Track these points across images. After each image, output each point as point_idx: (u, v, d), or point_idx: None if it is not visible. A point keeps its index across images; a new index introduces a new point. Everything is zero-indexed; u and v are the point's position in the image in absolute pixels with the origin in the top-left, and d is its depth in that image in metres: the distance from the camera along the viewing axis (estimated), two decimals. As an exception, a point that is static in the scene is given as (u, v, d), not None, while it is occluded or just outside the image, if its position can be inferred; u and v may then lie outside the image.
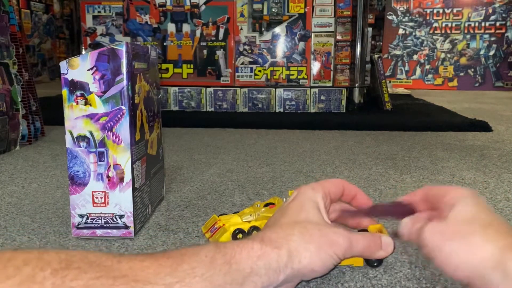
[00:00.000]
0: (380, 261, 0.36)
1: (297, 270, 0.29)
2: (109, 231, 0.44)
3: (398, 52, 3.06)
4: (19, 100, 0.83)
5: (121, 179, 0.46)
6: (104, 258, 0.24)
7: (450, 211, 0.30)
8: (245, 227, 0.40)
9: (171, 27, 1.40)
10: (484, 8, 2.91)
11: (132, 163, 0.47)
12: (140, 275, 0.24)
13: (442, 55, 3.01)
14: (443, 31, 2.99)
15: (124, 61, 0.45)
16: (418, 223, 0.31)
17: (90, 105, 0.46)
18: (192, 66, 1.41)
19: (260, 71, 1.40)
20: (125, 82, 0.45)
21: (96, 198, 0.47)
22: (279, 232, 0.31)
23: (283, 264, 0.29)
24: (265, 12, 1.38)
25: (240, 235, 0.39)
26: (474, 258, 0.27)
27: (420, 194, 0.34)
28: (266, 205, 0.44)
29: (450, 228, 0.29)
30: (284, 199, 0.44)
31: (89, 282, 0.22)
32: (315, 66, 1.40)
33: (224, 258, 0.27)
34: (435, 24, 2.99)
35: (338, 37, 1.42)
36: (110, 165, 0.47)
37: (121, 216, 0.45)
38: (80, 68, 0.45)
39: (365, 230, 0.37)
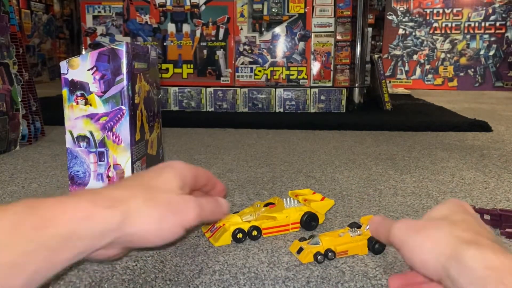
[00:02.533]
0: (383, 247, 0.37)
1: (127, 235, 0.27)
2: (109, 231, 0.44)
3: (398, 52, 3.06)
4: (19, 100, 0.83)
5: (121, 179, 0.46)
6: None
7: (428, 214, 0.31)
8: (245, 227, 0.40)
9: (171, 27, 1.40)
10: (484, 8, 2.91)
11: (132, 163, 0.47)
12: None
13: (442, 55, 3.00)
14: (443, 31, 2.99)
15: (124, 61, 0.45)
16: (387, 221, 0.32)
17: (90, 105, 0.46)
18: (192, 66, 1.41)
19: (260, 71, 1.40)
20: (125, 82, 0.45)
21: (96, 198, 0.47)
22: (121, 192, 0.28)
23: (113, 226, 0.26)
24: (265, 12, 1.38)
25: (240, 235, 0.39)
26: (435, 252, 0.27)
27: None
28: (266, 205, 0.44)
29: (418, 224, 0.30)
30: (284, 200, 0.44)
31: None
32: (315, 66, 1.40)
33: (35, 221, 0.24)
34: (435, 24, 2.99)
35: (338, 37, 1.42)
36: (110, 165, 0.47)
37: (121, 216, 0.45)
38: (80, 68, 0.45)
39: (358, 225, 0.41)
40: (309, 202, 0.44)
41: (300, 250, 0.37)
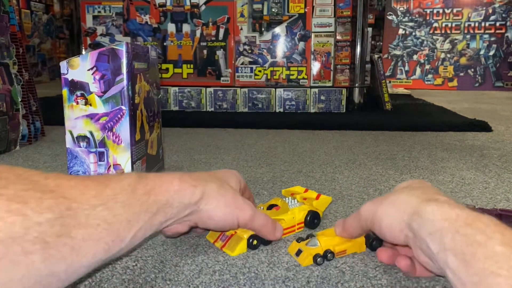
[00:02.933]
0: (380, 243, 0.37)
1: (201, 211, 0.33)
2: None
3: (398, 52, 3.06)
4: (19, 100, 0.83)
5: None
6: (30, 173, 0.25)
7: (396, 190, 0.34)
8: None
9: (171, 27, 1.40)
10: (484, 8, 2.91)
11: (132, 163, 0.47)
12: (67, 193, 0.25)
13: (442, 55, 3.00)
14: (443, 31, 2.99)
15: (124, 61, 0.45)
16: (349, 218, 0.36)
17: (90, 105, 0.46)
18: (192, 66, 1.41)
19: (260, 71, 1.40)
20: (125, 82, 0.45)
21: (96, 198, 0.47)
22: (200, 177, 0.34)
23: (194, 201, 0.32)
24: (265, 12, 1.38)
25: (255, 242, 0.38)
26: (399, 213, 0.29)
27: None
28: (269, 207, 0.43)
29: (382, 197, 0.33)
30: (287, 199, 0.44)
31: (19, 193, 0.22)
32: (315, 66, 1.40)
33: (144, 189, 0.29)
34: (435, 24, 2.99)
35: (338, 37, 1.42)
36: (110, 165, 0.47)
37: (121, 216, 0.45)
38: (80, 68, 0.45)
39: None
40: (309, 201, 0.44)
41: (299, 252, 0.36)
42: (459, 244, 0.24)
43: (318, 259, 0.35)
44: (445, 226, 0.26)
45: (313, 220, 0.43)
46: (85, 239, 0.24)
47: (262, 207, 0.43)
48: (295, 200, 0.45)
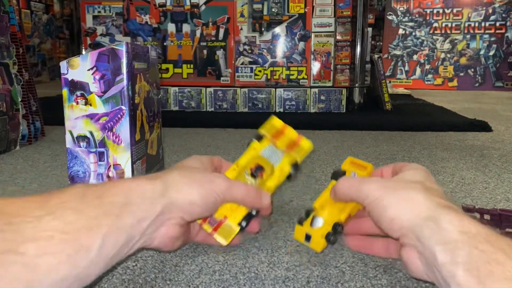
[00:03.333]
0: (334, 239, 0.34)
1: (175, 200, 0.30)
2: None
3: (398, 52, 3.06)
4: (19, 100, 0.83)
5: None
6: None
7: (398, 174, 0.33)
8: (245, 211, 0.36)
9: (171, 27, 1.40)
10: (484, 8, 2.91)
11: (132, 163, 0.47)
12: (6, 208, 0.23)
13: (442, 55, 3.00)
14: (443, 31, 2.99)
15: (124, 61, 0.45)
16: (356, 180, 0.34)
17: (90, 105, 0.46)
18: (192, 66, 1.41)
19: (260, 71, 1.40)
20: (125, 82, 0.45)
21: (96, 198, 0.47)
22: (156, 173, 0.32)
23: (158, 193, 0.30)
24: (265, 12, 1.38)
25: (244, 223, 0.35)
26: (410, 211, 0.28)
27: (391, 168, 0.37)
28: (254, 174, 0.37)
29: (393, 184, 0.31)
30: (267, 151, 0.38)
31: None
32: (315, 66, 1.40)
33: (95, 193, 0.27)
34: (435, 24, 2.99)
35: (338, 37, 1.42)
36: (110, 165, 0.47)
37: (121, 216, 0.45)
38: (80, 68, 0.45)
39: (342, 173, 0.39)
40: (289, 150, 0.39)
41: (308, 237, 0.34)
42: (475, 260, 0.23)
43: (331, 238, 0.33)
44: (462, 239, 0.24)
45: (295, 174, 0.39)
46: (39, 254, 0.22)
47: (247, 173, 0.38)
48: (278, 151, 0.39)
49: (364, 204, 0.31)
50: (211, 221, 0.35)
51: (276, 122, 0.41)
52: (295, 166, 0.38)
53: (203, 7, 1.39)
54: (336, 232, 0.34)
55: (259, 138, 0.39)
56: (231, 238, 0.35)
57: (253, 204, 0.35)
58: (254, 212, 0.36)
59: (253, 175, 0.37)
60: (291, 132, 0.40)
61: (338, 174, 0.38)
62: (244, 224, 0.35)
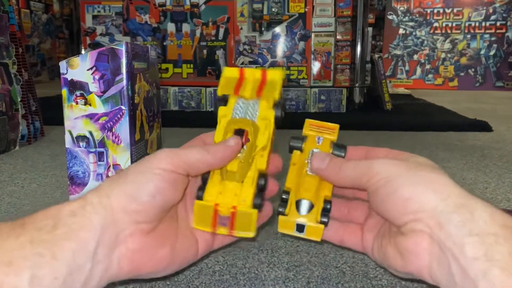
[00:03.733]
0: (329, 220, 0.28)
1: (114, 206, 0.23)
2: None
3: (398, 52, 3.05)
4: (19, 100, 0.83)
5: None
6: None
7: (403, 159, 0.27)
8: (252, 190, 0.28)
9: (171, 27, 1.40)
10: (485, 8, 2.91)
11: (132, 163, 0.47)
12: None
13: (443, 55, 3.00)
14: (443, 31, 2.98)
15: (123, 61, 0.45)
16: (362, 160, 0.27)
17: (90, 105, 0.46)
18: (192, 66, 1.41)
19: (260, 71, 1.40)
20: (124, 82, 0.45)
21: (96, 198, 0.47)
22: (93, 188, 0.25)
23: (91, 206, 0.23)
24: (265, 12, 1.38)
25: (258, 200, 0.28)
26: (435, 194, 0.23)
27: (362, 152, 0.31)
28: (238, 132, 0.29)
29: (411, 163, 0.26)
30: (240, 106, 0.30)
31: None
32: (315, 66, 1.39)
33: (14, 224, 0.22)
34: (436, 24, 2.99)
35: (338, 37, 1.42)
36: (110, 165, 0.46)
37: (121, 217, 0.45)
38: (79, 68, 0.45)
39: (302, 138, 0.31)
40: (260, 92, 0.31)
41: (301, 227, 0.28)
42: None
43: (328, 220, 0.28)
44: (504, 234, 0.21)
45: (281, 113, 0.30)
46: None
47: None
48: (250, 102, 0.30)
49: (370, 183, 0.26)
50: (221, 221, 0.28)
51: (229, 72, 0.32)
52: (277, 105, 0.30)
53: (203, 7, 1.38)
54: (326, 211, 0.28)
55: (223, 101, 0.31)
56: (254, 226, 0.27)
57: (212, 164, 0.27)
58: (262, 182, 0.28)
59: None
60: (252, 73, 0.32)
61: (298, 142, 0.31)
62: (258, 201, 0.28)
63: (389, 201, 0.24)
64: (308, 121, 0.32)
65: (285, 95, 0.27)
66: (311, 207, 0.28)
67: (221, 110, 0.30)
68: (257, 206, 0.28)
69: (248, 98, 0.30)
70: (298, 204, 0.29)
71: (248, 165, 0.29)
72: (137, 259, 0.24)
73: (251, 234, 0.28)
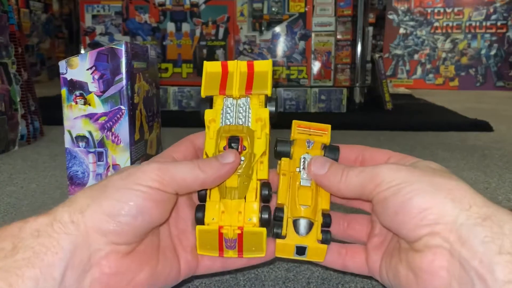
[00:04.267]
0: (330, 237, 0.26)
1: (87, 224, 0.20)
2: (108, 231, 0.44)
3: (399, 52, 3.05)
4: (18, 100, 0.83)
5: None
6: None
7: (410, 165, 0.24)
8: (257, 203, 0.26)
9: (170, 27, 1.39)
10: (485, 7, 2.91)
11: (132, 163, 0.47)
12: None
13: (443, 55, 3.00)
14: (444, 31, 2.98)
15: (123, 61, 0.44)
16: (364, 167, 0.24)
17: (89, 105, 0.45)
18: (191, 65, 1.41)
19: (260, 70, 1.39)
20: (124, 81, 0.45)
21: (95, 198, 0.46)
22: (64, 202, 0.22)
23: (59, 224, 0.20)
24: (265, 12, 1.38)
25: (265, 215, 0.25)
26: (453, 204, 0.20)
27: (356, 152, 0.27)
28: (231, 142, 0.25)
29: (420, 170, 0.22)
30: (231, 110, 0.27)
31: None
32: (316, 66, 1.39)
33: None
34: (436, 24, 2.98)
35: (339, 37, 1.42)
36: (109, 165, 0.46)
37: (120, 217, 0.45)
38: (79, 67, 0.45)
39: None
40: (249, 88, 0.27)
41: (301, 249, 0.26)
42: None
43: (329, 237, 0.25)
44: None
45: (275, 107, 0.27)
46: None
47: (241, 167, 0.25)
48: (239, 101, 0.27)
49: (376, 192, 0.22)
50: (228, 244, 0.25)
51: (211, 67, 0.29)
52: (269, 100, 0.27)
53: (202, 6, 1.38)
54: (329, 225, 0.26)
55: (207, 103, 0.28)
56: (263, 245, 0.25)
57: (213, 174, 0.24)
58: (266, 192, 0.26)
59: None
60: (236, 66, 0.28)
61: (285, 146, 0.27)
62: (266, 216, 0.25)
63: (401, 212, 0.21)
64: (295, 123, 0.29)
65: (274, 90, 0.25)
66: (311, 226, 0.25)
67: (208, 114, 0.27)
68: (265, 222, 0.25)
69: (237, 97, 0.27)
70: (295, 224, 0.26)
71: (248, 177, 0.25)
72: (113, 285, 0.21)
73: (262, 253, 0.26)
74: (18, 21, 2.64)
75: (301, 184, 0.26)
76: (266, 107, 0.27)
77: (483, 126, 1.09)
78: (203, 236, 0.25)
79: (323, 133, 0.28)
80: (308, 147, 0.27)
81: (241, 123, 0.26)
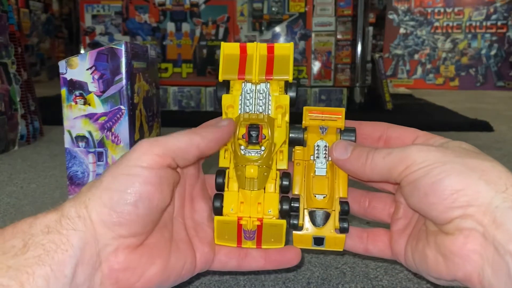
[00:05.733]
0: (348, 226, 0.25)
1: (93, 219, 0.20)
2: (108, 231, 0.44)
3: (399, 52, 3.05)
4: (18, 100, 0.83)
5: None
6: None
7: (440, 145, 0.23)
8: (277, 195, 0.25)
9: (170, 26, 1.39)
10: (485, 7, 2.91)
11: (131, 163, 0.47)
12: None
13: (443, 55, 3.00)
14: (444, 31, 2.98)
15: (123, 61, 0.44)
16: (393, 148, 0.23)
17: (89, 104, 0.45)
18: (191, 65, 1.41)
19: (260, 70, 1.39)
20: (124, 81, 0.45)
21: (95, 198, 0.46)
22: (74, 196, 0.22)
23: (67, 219, 0.20)
24: (265, 11, 1.37)
25: (286, 206, 0.25)
26: (488, 186, 0.19)
27: (380, 130, 0.26)
28: (253, 141, 0.24)
29: (451, 150, 0.21)
30: (251, 91, 0.26)
31: None
32: (316, 66, 1.39)
33: None
34: (436, 24, 2.98)
35: (339, 37, 1.42)
36: (109, 166, 0.46)
37: (120, 217, 0.45)
38: (79, 67, 0.45)
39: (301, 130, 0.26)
40: (269, 72, 0.26)
41: (319, 240, 0.25)
42: None
43: (347, 226, 0.25)
44: None
45: (295, 93, 0.26)
46: None
47: (242, 147, 0.25)
48: (258, 86, 0.26)
49: (405, 174, 0.21)
50: (246, 235, 0.25)
51: (229, 48, 0.26)
52: (290, 85, 0.26)
53: (202, 6, 1.38)
54: (347, 213, 0.25)
55: (225, 87, 0.26)
56: (283, 237, 0.25)
57: (210, 139, 0.23)
58: (286, 182, 0.25)
59: (253, 142, 0.24)
60: (255, 48, 0.26)
61: (298, 133, 0.26)
62: (286, 207, 0.25)
63: (431, 193, 0.20)
64: (307, 109, 0.27)
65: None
66: (327, 216, 0.25)
67: (226, 99, 0.26)
68: (285, 213, 0.25)
69: (256, 82, 0.26)
70: (312, 215, 0.25)
71: (268, 168, 0.24)
72: (123, 280, 0.21)
73: (281, 244, 0.26)
74: (18, 21, 2.64)
75: (316, 173, 0.26)
76: (286, 93, 0.26)
77: (483, 126, 1.09)
78: (221, 226, 0.25)
79: (336, 117, 0.27)
80: (322, 133, 0.26)
81: (261, 110, 0.25)
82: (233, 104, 0.26)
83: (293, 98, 0.26)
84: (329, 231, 0.25)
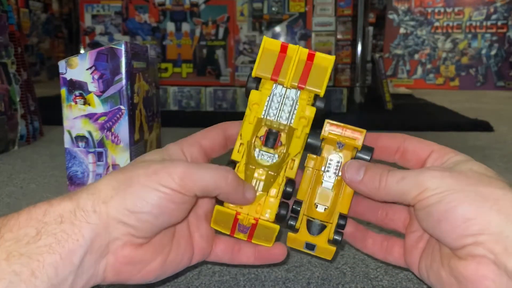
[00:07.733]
0: (341, 240, 0.27)
1: (109, 214, 0.21)
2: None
3: (399, 52, 3.05)
4: (18, 100, 0.83)
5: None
6: None
7: (453, 166, 0.23)
8: (277, 200, 0.26)
9: (170, 26, 1.39)
10: (486, 7, 2.91)
11: (131, 163, 0.47)
12: None
13: (444, 55, 3.00)
14: (444, 31, 2.98)
15: (123, 61, 0.44)
16: (407, 171, 0.23)
17: (89, 104, 0.45)
18: (191, 65, 1.41)
19: (260, 70, 1.39)
20: (124, 81, 0.45)
21: (95, 198, 0.46)
22: (88, 185, 0.23)
23: (82, 211, 0.21)
24: (265, 11, 1.37)
25: (283, 211, 0.27)
26: (499, 215, 0.20)
27: (396, 143, 0.27)
28: (269, 144, 0.25)
29: (465, 177, 0.22)
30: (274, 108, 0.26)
31: None
32: (316, 66, 1.39)
33: None
34: (436, 24, 2.98)
35: (339, 36, 1.42)
36: (109, 165, 0.46)
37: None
38: (79, 67, 0.45)
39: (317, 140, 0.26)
40: (303, 79, 0.26)
41: (311, 246, 0.27)
42: None
43: (341, 240, 0.26)
44: None
45: (321, 107, 0.26)
46: None
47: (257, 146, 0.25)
48: (289, 90, 0.26)
49: (418, 200, 0.22)
50: (240, 228, 0.26)
51: (270, 44, 0.26)
52: (320, 98, 0.26)
53: (202, 6, 1.38)
54: (343, 227, 0.26)
55: (256, 82, 0.26)
56: (273, 239, 0.26)
57: (230, 198, 0.24)
58: (290, 189, 0.26)
59: (268, 145, 0.25)
60: (296, 51, 0.26)
61: (317, 140, 0.26)
62: (284, 212, 0.26)
63: (444, 220, 0.21)
64: (328, 122, 0.27)
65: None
66: (323, 228, 0.26)
67: (254, 95, 0.26)
68: (282, 217, 0.26)
69: (288, 87, 0.25)
70: (309, 224, 0.27)
71: (276, 175, 0.25)
72: (124, 271, 0.23)
73: (269, 244, 0.27)
74: (18, 21, 2.64)
75: (323, 186, 0.27)
76: (313, 105, 0.26)
77: (483, 126, 1.09)
78: (219, 214, 0.26)
79: (357, 136, 0.27)
80: (339, 147, 0.27)
81: (284, 118, 0.26)
82: (259, 102, 0.26)
83: (319, 112, 0.26)
84: (322, 241, 0.27)
